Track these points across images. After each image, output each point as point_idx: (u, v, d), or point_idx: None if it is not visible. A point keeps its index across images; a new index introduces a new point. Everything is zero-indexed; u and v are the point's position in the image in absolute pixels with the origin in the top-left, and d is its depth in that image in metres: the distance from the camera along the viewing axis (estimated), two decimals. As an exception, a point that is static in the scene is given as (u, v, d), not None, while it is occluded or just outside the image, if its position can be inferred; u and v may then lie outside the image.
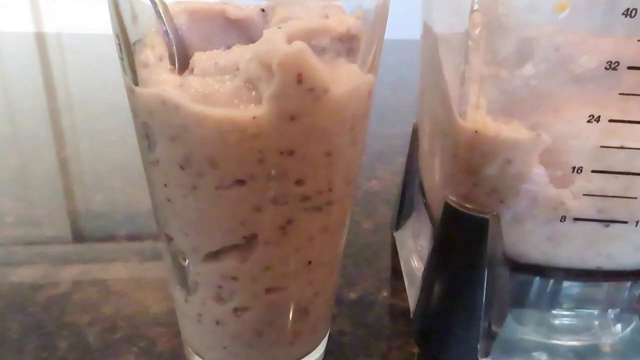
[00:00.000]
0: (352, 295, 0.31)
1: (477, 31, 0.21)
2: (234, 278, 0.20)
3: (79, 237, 0.37)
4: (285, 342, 0.23)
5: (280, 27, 0.17)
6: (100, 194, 0.42)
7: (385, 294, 0.31)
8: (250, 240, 0.19)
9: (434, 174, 0.28)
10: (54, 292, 0.30)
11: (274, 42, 0.16)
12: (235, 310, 0.21)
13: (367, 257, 0.35)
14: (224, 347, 0.23)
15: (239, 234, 0.19)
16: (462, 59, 0.23)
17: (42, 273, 0.32)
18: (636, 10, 0.19)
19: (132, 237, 0.36)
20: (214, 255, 0.20)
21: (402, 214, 0.37)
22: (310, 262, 0.21)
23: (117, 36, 0.19)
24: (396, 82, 0.72)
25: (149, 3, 0.18)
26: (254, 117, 0.17)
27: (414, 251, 0.33)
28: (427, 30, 0.30)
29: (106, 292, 0.30)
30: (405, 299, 0.31)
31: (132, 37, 0.19)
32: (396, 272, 0.34)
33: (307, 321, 0.23)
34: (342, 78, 0.18)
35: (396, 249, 0.36)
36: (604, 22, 0.20)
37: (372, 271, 0.33)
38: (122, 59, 0.19)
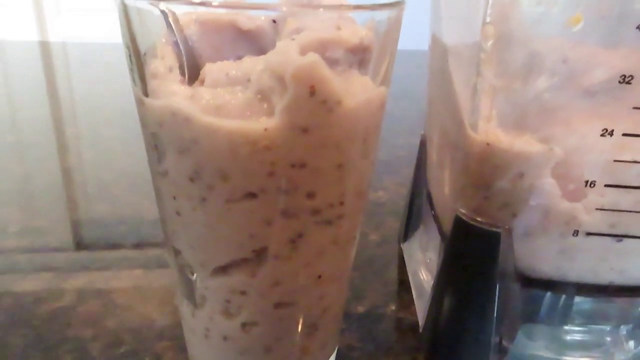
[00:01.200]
0: (360, 309, 0.31)
1: (489, 43, 0.21)
2: (243, 293, 0.20)
3: (83, 247, 0.36)
4: (294, 358, 0.23)
5: (293, 39, 0.17)
6: (104, 203, 0.42)
7: (393, 307, 0.31)
8: (260, 254, 0.19)
9: (444, 187, 0.28)
10: (58, 304, 0.30)
11: (287, 53, 0.16)
12: (244, 325, 0.21)
13: (374, 270, 0.34)
14: (231, 363, 0.22)
15: (248, 247, 0.19)
16: (473, 71, 0.22)
17: (46, 285, 0.31)
18: (651, 23, 0.19)
19: (137, 248, 0.36)
20: (223, 270, 0.20)
21: (409, 226, 0.37)
22: (320, 277, 0.21)
23: (127, 47, 0.19)
24: (400, 93, 0.72)
25: (160, 14, 0.18)
26: (266, 129, 0.16)
27: (422, 264, 0.33)
28: (435, 41, 0.30)
29: (111, 305, 0.30)
30: (414, 312, 0.30)
31: (142, 48, 0.19)
32: (404, 284, 0.33)
33: (316, 337, 0.23)
34: (355, 90, 0.18)
35: (404, 261, 0.35)
36: (617, 35, 0.20)
37: (380, 284, 0.33)
38: (132, 70, 0.19)
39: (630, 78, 0.20)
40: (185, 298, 0.22)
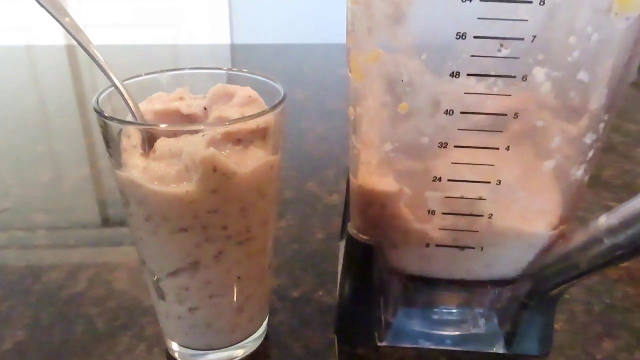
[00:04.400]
0: (295, 294, 0.41)
1: (352, 119, 0.30)
2: (187, 289, 0.30)
3: (93, 246, 0.47)
4: (228, 330, 0.33)
5: (204, 135, 0.26)
6: (112, 208, 0.53)
7: (321, 293, 0.41)
8: (195, 265, 0.29)
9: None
10: (74, 290, 0.41)
11: (197, 147, 0.26)
12: (191, 309, 0.31)
13: (313, 263, 0.45)
14: (186, 334, 0.33)
15: (186, 261, 0.29)
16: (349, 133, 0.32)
17: (66, 275, 0.42)
18: (453, 111, 0.28)
19: (133, 246, 0.46)
20: (173, 274, 0.30)
21: (344, 227, 0.46)
22: (239, 278, 0.31)
23: (102, 131, 0.28)
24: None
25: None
26: (187, 192, 0.26)
27: (348, 260, 0.43)
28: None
29: (112, 290, 0.41)
30: (335, 297, 0.40)
31: (115, 131, 0.28)
32: (334, 275, 0.43)
33: (243, 316, 0.33)
34: (248, 162, 0.27)
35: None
36: (435, 118, 0.29)
37: (315, 275, 0.43)
38: (107, 147, 0.29)
39: (445, 144, 0.29)
40: (153, 291, 0.32)
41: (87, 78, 0.95)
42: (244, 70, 0.32)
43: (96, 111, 0.27)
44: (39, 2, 0.28)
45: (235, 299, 0.32)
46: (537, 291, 0.34)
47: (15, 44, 1.18)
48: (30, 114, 0.79)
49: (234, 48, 1.41)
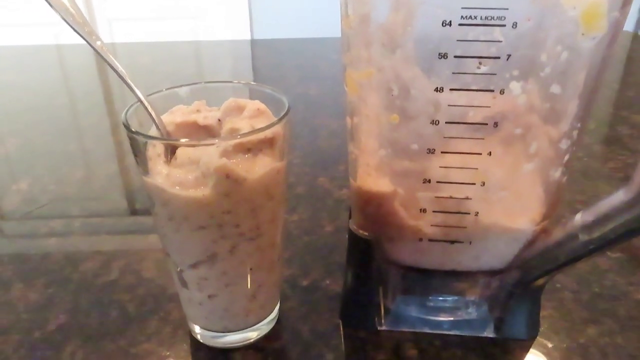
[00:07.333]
0: (304, 283, 0.45)
1: (349, 127, 0.34)
2: (206, 279, 0.34)
3: (125, 238, 0.52)
4: (242, 315, 0.37)
5: (217, 147, 0.30)
6: (140, 203, 0.58)
7: (328, 282, 0.45)
8: (212, 258, 0.33)
9: (351, 204, 0.41)
10: (108, 278, 0.45)
11: (211, 157, 0.30)
12: (209, 296, 0.36)
13: (322, 254, 0.48)
14: (206, 318, 0.37)
15: (205, 254, 0.33)
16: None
17: (100, 265, 0.47)
18: (439, 121, 0.31)
19: (160, 238, 0.51)
20: (194, 266, 0.34)
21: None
22: (251, 269, 0.35)
23: (131, 141, 0.33)
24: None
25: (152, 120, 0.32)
26: (203, 195, 0.30)
27: (353, 251, 0.46)
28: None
29: (140, 279, 0.45)
30: (341, 286, 0.44)
31: (141, 143, 0.32)
32: (341, 266, 0.47)
33: (256, 302, 0.37)
34: (257, 168, 0.31)
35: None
36: (425, 129, 0.32)
37: (324, 264, 0.47)
38: (135, 155, 0.33)
39: (433, 150, 0.33)
40: (177, 280, 0.37)
41: (114, 78, 1.00)
42: (253, 83, 0.36)
43: (124, 126, 0.31)
44: (74, 29, 0.32)
45: (248, 287, 0.36)
46: (523, 281, 0.37)
47: (45, 43, 1.24)
48: (61, 114, 0.84)
49: (253, 43, 1.44)
